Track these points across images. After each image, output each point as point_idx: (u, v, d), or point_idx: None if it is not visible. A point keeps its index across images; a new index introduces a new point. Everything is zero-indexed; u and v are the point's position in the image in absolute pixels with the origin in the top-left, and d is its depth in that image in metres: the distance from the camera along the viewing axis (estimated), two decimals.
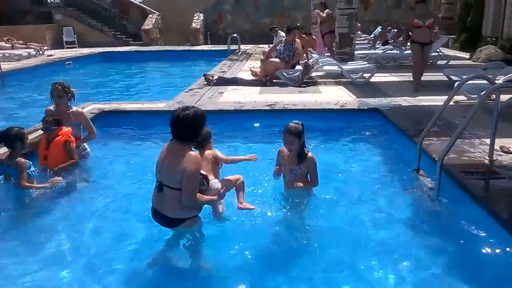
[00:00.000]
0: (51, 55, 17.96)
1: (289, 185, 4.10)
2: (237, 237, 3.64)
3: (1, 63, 12.67)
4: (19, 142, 4.36)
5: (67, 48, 21.89)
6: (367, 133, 6.58)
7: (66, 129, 4.96)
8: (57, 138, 4.86)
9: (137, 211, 4.08)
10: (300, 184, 4.03)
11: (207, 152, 3.95)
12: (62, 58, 17.03)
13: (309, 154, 4.03)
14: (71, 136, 4.96)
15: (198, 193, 3.34)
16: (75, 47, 22.10)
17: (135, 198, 4.39)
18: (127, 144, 6.31)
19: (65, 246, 3.62)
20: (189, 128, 3.33)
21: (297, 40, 10.39)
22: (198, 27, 23.47)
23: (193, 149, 3.44)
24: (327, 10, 13.19)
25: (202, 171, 3.48)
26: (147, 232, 3.72)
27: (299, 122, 3.99)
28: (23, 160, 4.38)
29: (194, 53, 19.85)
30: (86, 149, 5.48)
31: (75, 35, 22.87)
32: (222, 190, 3.65)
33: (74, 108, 5.41)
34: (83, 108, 7.52)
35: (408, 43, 15.90)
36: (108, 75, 15.61)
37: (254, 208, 3.85)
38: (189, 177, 3.22)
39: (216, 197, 3.59)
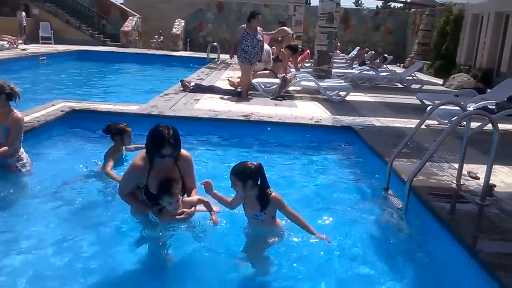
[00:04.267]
0: (25, 49, 17.52)
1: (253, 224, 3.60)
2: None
3: None
4: (119, 136, 4.97)
5: (42, 43, 21.43)
6: (339, 150, 6.61)
7: None
8: None
9: (99, 211, 4.01)
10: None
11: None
12: (36, 53, 16.60)
13: (273, 194, 3.43)
14: None
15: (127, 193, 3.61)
16: (51, 43, 21.65)
17: (96, 198, 4.27)
18: (95, 144, 6.14)
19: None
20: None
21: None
22: (178, 32, 23.38)
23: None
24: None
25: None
26: (108, 230, 3.68)
27: (255, 163, 3.41)
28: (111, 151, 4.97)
29: (172, 58, 19.69)
30: (22, 160, 4.71)
31: (52, 31, 22.43)
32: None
33: (16, 111, 4.62)
34: (53, 105, 7.34)
35: (384, 65, 16.38)
36: (82, 74, 15.34)
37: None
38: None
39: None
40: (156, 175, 3.51)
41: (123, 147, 5.19)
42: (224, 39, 25.07)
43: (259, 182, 3.39)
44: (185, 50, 24.13)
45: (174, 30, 23.40)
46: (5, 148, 4.45)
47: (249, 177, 3.33)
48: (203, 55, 18.76)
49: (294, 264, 3.38)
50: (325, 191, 4.95)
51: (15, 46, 17.63)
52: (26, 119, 6.22)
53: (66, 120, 6.79)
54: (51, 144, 5.96)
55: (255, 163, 3.38)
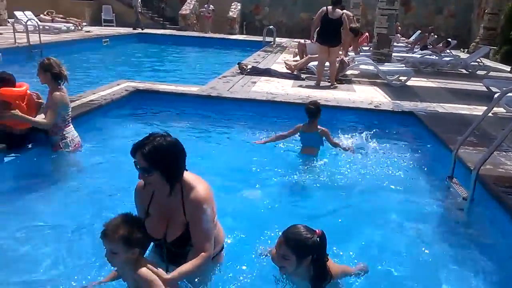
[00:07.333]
0: (89, 31, 18.25)
1: None
2: None
3: (41, 35, 12.91)
4: (313, 118, 5.22)
5: (105, 26, 22.18)
6: (400, 137, 6.42)
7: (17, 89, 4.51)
8: None
9: None
10: None
11: None
12: (99, 35, 17.29)
13: (334, 268, 2.47)
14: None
15: None
16: (113, 26, 22.36)
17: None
18: (156, 124, 6.33)
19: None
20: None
21: None
22: (234, 16, 23.46)
23: None
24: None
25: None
26: None
27: (318, 231, 2.35)
28: (299, 124, 5.37)
29: (229, 41, 19.83)
30: (66, 138, 4.67)
31: (114, 14, 23.12)
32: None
33: (57, 92, 4.53)
34: (118, 84, 7.62)
35: (448, 50, 15.68)
36: (143, 56, 15.78)
37: None
38: None
39: None
40: (155, 206, 2.58)
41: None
42: (280, 23, 24.88)
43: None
44: (242, 33, 24.17)
45: (230, 13, 23.49)
46: (45, 121, 4.48)
47: (310, 252, 2.31)
48: (259, 38, 18.74)
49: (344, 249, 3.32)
50: (387, 179, 4.83)
51: (79, 28, 18.42)
52: (93, 97, 6.57)
53: (130, 99, 7.03)
54: (116, 122, 6.20)
55: (317, 231, 2.34)
